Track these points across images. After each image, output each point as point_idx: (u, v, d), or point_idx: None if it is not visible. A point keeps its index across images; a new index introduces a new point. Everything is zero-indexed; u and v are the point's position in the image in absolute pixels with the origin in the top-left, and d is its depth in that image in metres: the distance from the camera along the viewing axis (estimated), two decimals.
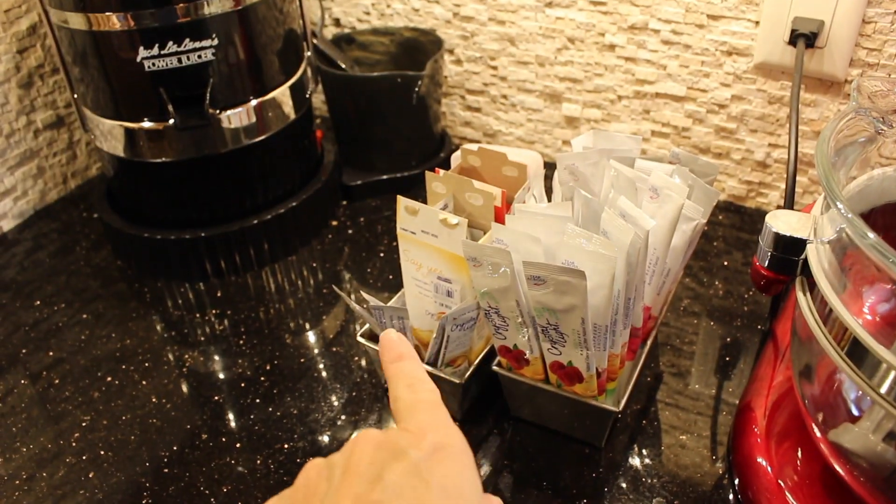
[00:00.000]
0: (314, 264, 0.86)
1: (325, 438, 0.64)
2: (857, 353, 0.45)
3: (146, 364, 0.74)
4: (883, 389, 0.44)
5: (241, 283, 0.84)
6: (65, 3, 0.73)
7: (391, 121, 0.92)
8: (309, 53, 0.90)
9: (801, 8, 0.76)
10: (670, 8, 0.84)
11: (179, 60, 0.74)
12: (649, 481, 0.60)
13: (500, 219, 0.61)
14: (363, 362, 0.72)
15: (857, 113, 0.54)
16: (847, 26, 0.75)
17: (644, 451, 0.62)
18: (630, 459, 0.62)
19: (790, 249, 0.53)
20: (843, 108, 0.79)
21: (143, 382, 0.72)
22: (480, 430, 0.65)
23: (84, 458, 0.64)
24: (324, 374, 0.71)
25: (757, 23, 0.80)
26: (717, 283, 0.80)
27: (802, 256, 0.53)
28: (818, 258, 0.50)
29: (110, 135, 0.80)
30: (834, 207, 0.46)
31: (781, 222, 0.54)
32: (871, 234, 0.42)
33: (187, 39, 0.74)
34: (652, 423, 0.65)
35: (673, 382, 0.68)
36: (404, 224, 0.61)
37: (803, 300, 0.51)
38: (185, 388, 0.71)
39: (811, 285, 0.51)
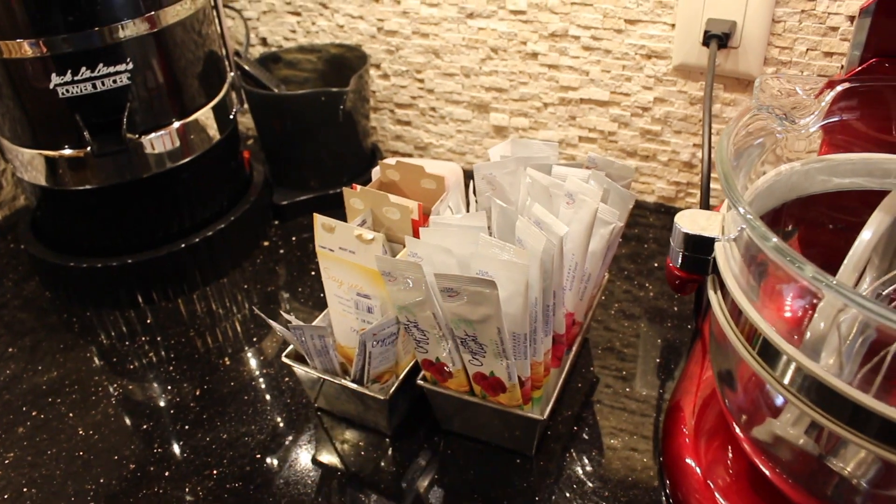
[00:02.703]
0: (245, 286, 0.85)
1: (256, 462, 0.64)
2: (767, 352, 0.46)
3: (73, 396, 0.72)
4: (794, 388, 0.44)
5: (171, 308, 0.82)
6: None
7: (319, 138, 0.92)
8: (232, 74, 0.89)
9: (714, 10, 0.78)
10: (588, 14, 0.85)
11: (94, 86, 0.73)
12: (581, 487, 0.60)
13: (417, 232, 0.61)
14: (293, 383, 0.71)
15: (759, 111, 0.55)
16: (758, 26, 0.76)
17: (577, 458, 0.62)
18: (562, 466, 0.62)
19: (700, 248, 0.54)
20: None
21: (70, 415, 0.70)
22: (412, 445, 0.64)
23: (6, 497, 0.62)
24: (255, 396, 0.70)
25: (673, 25, 0.82)
26: (648, 284, 0.80)
27: (713, 256, 0.53)
28: (726, 257, 0.51)
29: (30, 164, 0.79)
30: (734, 209, 0.46)
31: (690, 222, 0.54)
32: (774, 238, 0.43)
33: (101, 64, 0.73)
34: (584, 428, 0.65)
35: (609, 385, 0.69)
36: (322, 241, 0.60)
37: (714, 299, 0.52)
38: (113, 419, 0.69)
39: (722, 284, 0.51)
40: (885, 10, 0.60)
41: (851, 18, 0.73)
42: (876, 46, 0.62)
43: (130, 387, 0.73)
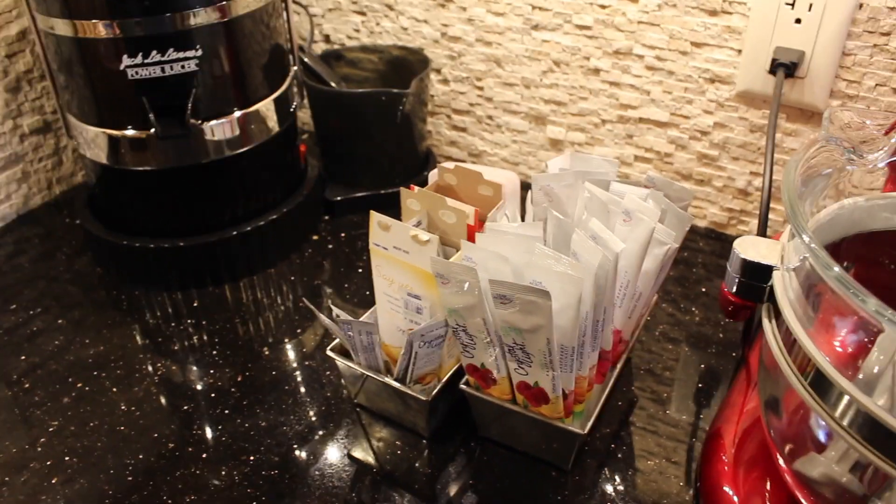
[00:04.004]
0: (292, 278, 0.86)
1: (292, 452, 0.64)
2: (820, 383, 0.45)
3: (118, 371, 0.73)
4: (845, 421, 0.44)
5: (218, 293, 0.84)
6: (51, 9, 0.74)
7: (375, 137, 0.93)
8: (295, 68, 0.90)
9: (783, 38, 0.77)
10: (654, 34, 0.84)
11: (163, 70, 0.74)
12: None
13: (472, 237, 0.61)
14: (334, 377, 0.72)
15: (827, 142, 0.55)
16: (827, 57, 0.76)
17: (612, 476, 0.62)
18: (597, 483, 0.61)
19: (757, 276, 0.53)
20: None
21: (114, 390, 0.71)
22: (448, 449, 0.64)
23: (48, 463, 0.64)
24: (295, 387, 0.71)
25: (739, 51, 0.81)
26: (695, 309, 0.80)
27: (769, 283, 0.53)
28: (784, 286, 0.50)
29: (93, 142, 0.81)
30: (798, 237, 0.46)
31: (749, 248, 0.54)
32: (836, 267, 0.42)
33: (171, 49, 0.74)
34: (622, 447, 0.65)
35: (646, 407, 0.68)
36: (377, 239, 0.61)
37: (768, 327, 0.51)
38: (155, 397, 0.71)
39: (777, 312, 0.51)
40: None
41: None
42: None
43: (173, 367, 0.74)
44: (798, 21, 0.76)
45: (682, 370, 0.72)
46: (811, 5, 0.74)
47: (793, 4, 0.75)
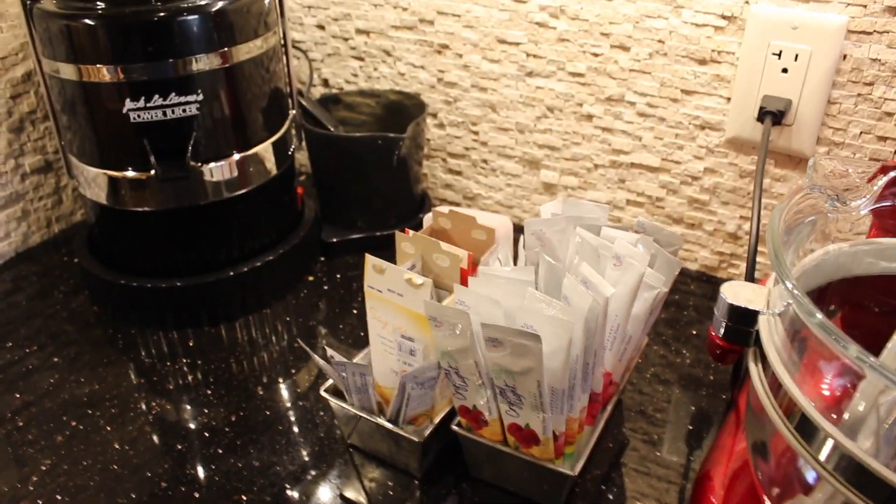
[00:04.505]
0: (288, 318, 0.87)
1: (285, 492, 0.64)
2: (805, 427, 0.46)
3: (113, 410, 0.74)
4: (830, 465, 0.44)
5: (214, 333, 0.84)
6: (57, 53, 0.76)
7: (372, 180, 0.94)
8: (294, 111, 0.92)
9: (770, 87, 0.79)
10: (646, 82, 0.87)
11: (164, 113, 0.76)
12: None
13: (465, 280, 0.62)
14: (327, 417, 0.72)
15: (812, 190, 0.56)
16: (813, 106, 0.78)
17: None
18: None
19: (744, 320, 0.54)
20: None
21: (108, 428, 0.72)
22: (440, 490, 0.65)
23: (40, 502, 0.64)
24: (288, 427, 0.71)
25: (728, 99, 0.83)
26: (685, 351, 0.80)
27: (755, 328, 0.54)
28: (769, 330, 0.51)
29: (94, 182, 0.82)
30: (781, 283, 0.47)
31: (735, 293, 0.55)
32: (818, 314, 0.43)
33: (173, 94, 0.76)
34: (612, 489, 0.65)
35: (638, 449, 0.69)
36: (371, 282, 0.62)
37: (755, 371, 0.52)
38: (149, 436, 0.71)
39: (763, 357, 0.52)
40: None
41: None
42: None
43: (168, 406, 0.74)
44: (785, 70, 0.78)
45: (673, 412, 0.73)
46: (797, 56, 0.77)
47: (779, 55, 0.78)
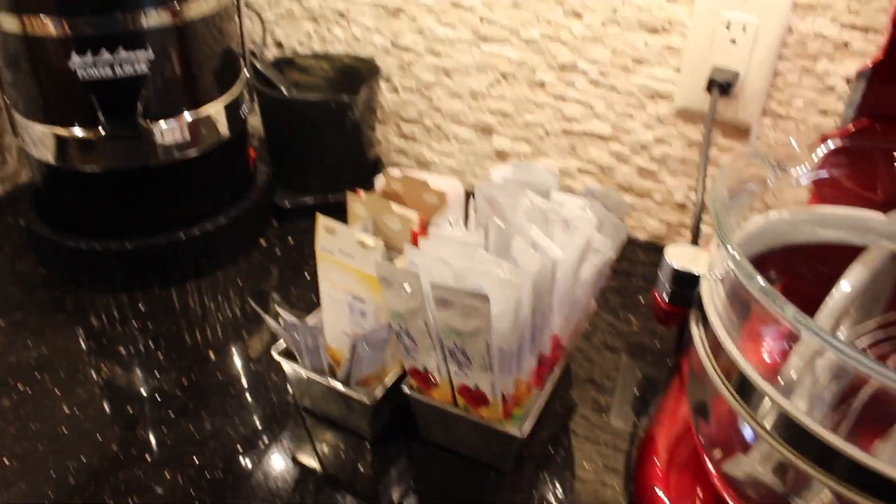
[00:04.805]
0: (240, 282, 0.87)
1: (237, 455, 0.65)
2: (744, 388, 0.47)
3: (61, 374, 0.73)
4: (767, 424, 0.46)
5: (165, 296, 0.84)
6: None
7: (325, 144, 0.94)
8: (246, 73, 0.91)
9: (719, 58, 0.80)
10: (598, 50, 0.87)
11: (113, 70, 0.75)
12: None
13: (416, 242, 0.63)
14: (279, 380, 0.73)
15: (754, 157, 0.58)
16: (759, 78, 0.79)
17: (549, 480, 0.64)
18: (535, 486, 0.63)
19: (687, 283, 0.56)
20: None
21: (57, 392, 0.71)
22: (391, 451, 0.66)
23: None
24: (240, 390, 0.72)
25: (678, 70, 0.84)
26: (632, 318, 0.82)
27: (698, 290, 0.55)
28: (711, 294, 0.53)
29: (40, 141, 0.80)
30: (723, 247, 0.48)
31: (679, 256, 0.56)
32: (758, 277, 0.45)
33: (122, 49, 0.74)
34: (559, 451, 0.66)
35: (586, 414, 0.70)
36: (323, 243, 0.62)
37: (696, 333, 0.54)
38: (98, 400, 0.70)
39: (704, 319, 0.53)
40: (880, 75, 0.63)
41: (848, 80, 0.76)
42: (869, 108, 0.65)
43: (118, 370, 0.74)
44: (733, 41, 0.79)
45: (620, 378, 0.75)
46: (745, 27, 0.78)
47: (728, 26, 0.79)
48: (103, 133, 0.76)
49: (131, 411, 0.69)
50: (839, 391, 0.51)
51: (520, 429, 0.60)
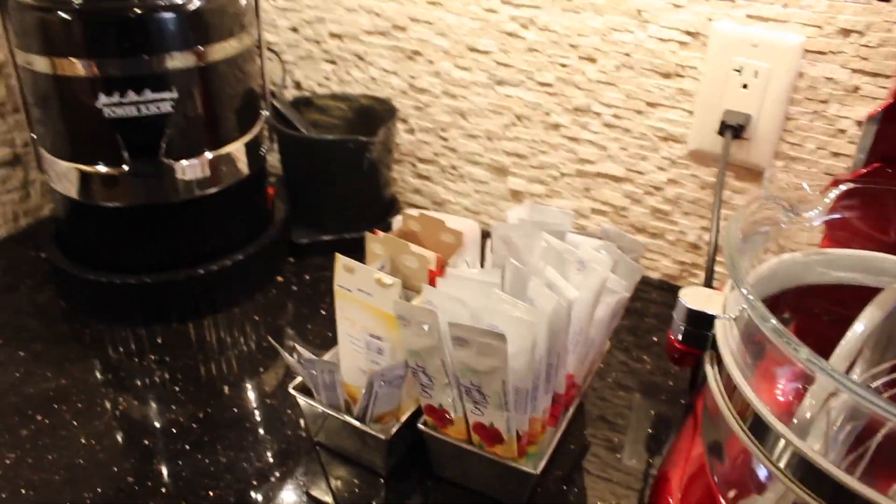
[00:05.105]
0: (256, 317, 0.88)
1: (251, 489, 0.65)
2: (758, 428, 0.48)
3: (79, 405, 0.74)
4: (782, 464, 0.46)
5: (182, 330, 0.85)
6: (31, 45, 0.76)
7: (342, 183, 0.95)
8: (266, 113, 0.93)
9: (731, 101, 0.82)
10: (612, 93, 0.89)
11: (138, 109, 0.77)
12: None
13: (433, 282, 0.64)
14: (294, 415, 0.73)
15: (767, 200, 0.59)
16: (771, 121, 0.81)
17: None
18: None
19: (701, 324, 0.57)
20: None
21: (74, 423, 0.72)
22: (405, 488, 0.66)
23: (3, 496, 0.64)
24: (256, 425, 0.72)
25: (691, 112, 0.86)
26: (646, 357, 0.83)
27: (712, 332, 0.56)
28: (725, 334, 0.53)
29: (65, 176, 0.82)
30: (737, 289, 0.49)
31: (694, 298, 0.57)
32: (772, 319, 0.45)
33: (148, 90, 0.76)
34: (573, 490, 0.67)
35: (599, 452, 0.71)
36: (341, 281, 0.63)
37: (711, 374, 0.54)
38: (115, 432, 0.71)
39: (719, 360, 0.54)
40: (890, 118, 0.64)
41: (859, 123, 0.77)
42: (880, 152, 0.66)
43: (135, 402, 0.75)
44: (745, 86, 0.81)
45: (633, 417, 0.75)
46: (757, 72, 0.79)
47: (740, 71, 0.80)
48: (126, 170, 0.78)
49: (147, 443, 0.70)
50: (854, 432, 0.51)
51: (534, 466, 0.61)
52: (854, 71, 0.76)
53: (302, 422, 0.72)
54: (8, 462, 0.67)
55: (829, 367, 0.42)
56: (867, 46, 0.75)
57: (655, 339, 0.86)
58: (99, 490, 0.65)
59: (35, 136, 0.85)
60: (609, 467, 0.69)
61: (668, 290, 0.95)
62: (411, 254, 0.65)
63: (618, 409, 0.76)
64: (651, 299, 0.93)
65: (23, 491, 0.65)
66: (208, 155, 0.83)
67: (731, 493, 0.55)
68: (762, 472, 0.51)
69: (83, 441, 0.70)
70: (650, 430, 0.73)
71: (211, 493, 0.64)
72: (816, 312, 0.64)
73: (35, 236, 1.02)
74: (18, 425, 0.71)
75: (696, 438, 0.68)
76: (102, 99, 0.75)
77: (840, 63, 0.76)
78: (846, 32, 0.75)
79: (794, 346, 0.43)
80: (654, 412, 0.76)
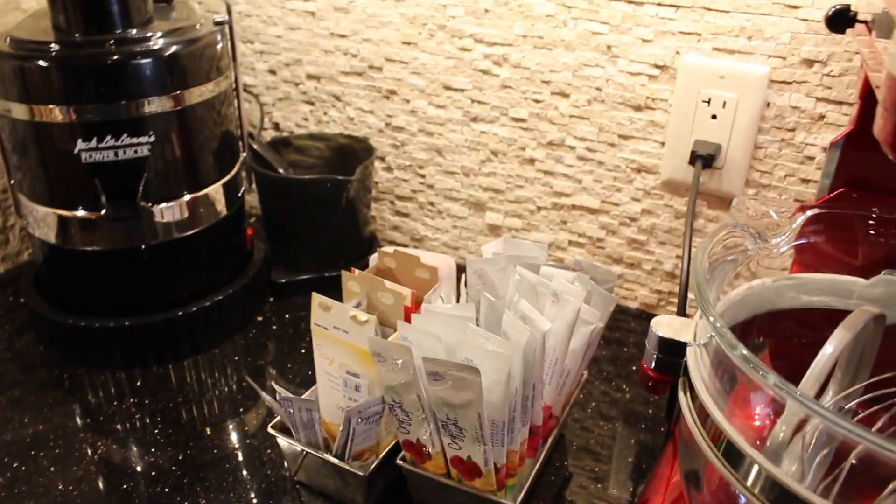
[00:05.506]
0: (236, 358, 0.87)
1: None
2: (732, 454, 0.48)
3: (57, 451, 0.73)
4: (757, 490, 0.47)
5: (162, 373, 0.85)
6: (9, 93, 0.76)
7: (321, 222, 0.96)
8: (244, 154, 0.94)
9: (701, 132, 0.83)
10: (585, 127, 0.90)
11: (116, 154, 0.77)
12: None
13: (408, 318, 0.64)
14: (275, 455, 0.73)
15: (735, 228, 0.60)
16: (741, 150, 0.82)
17: None
18: None
19: (673, 352, 0.57)
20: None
21: (52, 469, 0.71)
22: None
23: None
24: (236, 465, 0.72)
25: (663, 143, 0.87)
26: (626, 386, 0.83)
27: (684, 359, 0.56)
28: (696, 361, 0.54)
29: (43, 221, 0.82)
30: (705, 317, 0.50)
31: (666, 326, 0.58)
32: (740, 346, 0.46)
33: (125, 135, 0.77)
34: None
35: (581, 482, 0.71)
36: (318, 319, 0.63)
37: (684, 400, 0.55)
38: (94, 476, 0.71)
39: (692, 387, 0.54)
40: (852, 145, 0.66)
41: (825, 150, 0.79)
42: (844, 177, 0.67)
43: (114, 446, 0.74)
44: (714, 117, 0.82)
45: (615, 446, 0.75)
46: (725, 103, 0.81)
47: (709, 102, 0.82)
48: (105, 214, 0.79)
49: (126, 487, 0.69)
50: (829, 456, 0.51)
51: (514, 499, 0.61)
52: (819, 99, 0.78)
53: (283, 462, 0.72)
54: None
55: (798, 392, 0.42)
56: (830, 76, 0.76)
57: (635, 367, 0.86)
58: None
59: (13, 182, 0.85)
60: (594, 497, 0.69)
61: (646, 319, 0.96)
62: (387, 290, 0.65)
63: (599, 439, 0.76)
64: (630, 329, 0.93)
65: None
66: (186, 197, 0.83)
67: None
68: (740, 500, 0.51)
69: (61, 486, 0.69)
70: (633, 459, 0.74)
71: None
72: (789, 336, 0.64)
73: (14, 282, 1.02)
74: None
75: (675, 465, 0.68)
76: (80, 144, 0.76)
77: (805, 92, 0.78)
78: (809, 63, 0.77)
79: (763, 373, 0.44)
80: (635, 441, 0.76)
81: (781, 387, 0.43)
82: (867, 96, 0.63)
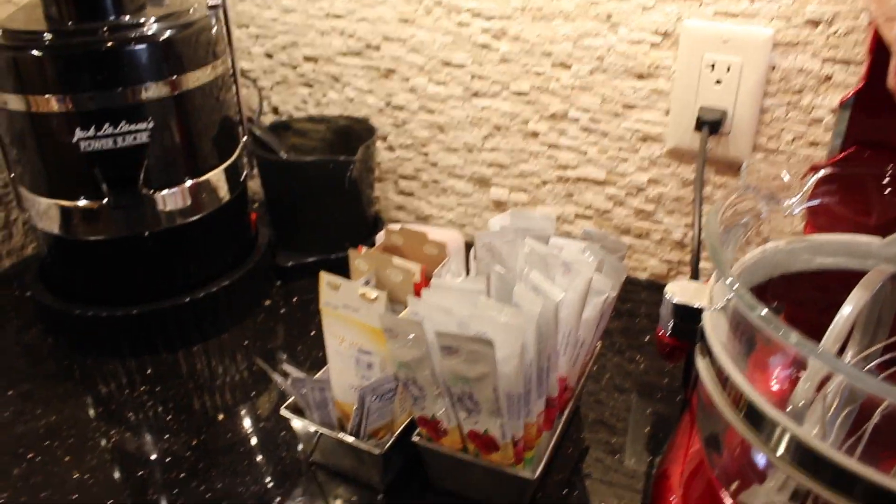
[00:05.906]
0: (245, 342, 0.87)
1: None
2: (753, 416, 0.48)
3: (70, 441, 0.73)
4: (780, 451, 0.46)
5: (172, 360, 0.84)
6: (4, 84, 0.76)
7: (324, 204, 0.95)
8: (245, 139, 0.93)
9: (706, 98, 0.82)
10: (588, 98, 0.89)
11: (115, 142, 0.76)
12: None
13: (418, 294, 0.63)
14: (289, 437, 0.73)
15: (745, 191, 0.59)
16: (747, 115, 0.81)
17: None
18: None
19: (689, 318, 0.57)
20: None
21: (66, 459, 0.71)
22: (403, 502, 0.65)
23: None
24: (250, 449, 0.72)
25: (667, 112, 0.86)
26: (640, 357, 0.82)
27: (701, 324, 0.56)
28: (713, 326, 0.53)
29: (46, 214, 0.82)
30: (722, 280, 0.49)
31: (680, 292, 0.57)
32: (760, 307, 0.45)
33: (124, 122, 0.76)
34: (573, 494, 0.66)
35: (598, 455, 0.70)
36: (327, 299, 0.63)
37: (702, 365, 0.54)
38: (109, 465, 0.70)
39: (709, 351, 0.54)
40: (862, 103, 0.65)
41: (834, 111, 0.78)
42: (855, 136, 0.66)
43: (127, 434, 0.74)
44: (719, 82, 0.81)
45: (631, 417, 0.75)
46: (729, 67, 0.80)
47: (713, 67, 0.81)
48: (107, 203, 0.78)
49: (141, 474, 0.69)
50: (851, 415, 0.51)
51: (532, 472, 0.60)
52: (825, 60, 0.77)
53: (297, 443, 0.71)
54: (1, 501, 0.66)
55: (821, 349, 0.41)
56: (836, 35, 0.75)
57: (647, 338, 0.85)
58: None
59: (14, 176, 0.84)
60: (610, 470, 0.68)
61: (657, 289, 0.95)
62: (395, 267, 0.64)
63: (615, 411, 0.75)
64: (641, 300, 0.93)
65: None
66: (188, 183, 0.83)
67: (733, 486, 0.54)
68: (761, 461, 0.51)
69: (76, 475, 0.69)
70: (649, 430, 0.73)
71: None
72: (803, 300, 0.64)
73: (20, 276, 1.02)
74: (10, 465, 0.70)
75: (694, 434, 0.68)
76: (79, 133, 0.75)
77: (810, 53, 0.77)
78: (814, 23, 0.76)
79: (784, 332, 0.43)
80: (651, 411, 0.75)
81: (805, 345, 0.42)
82: (876, 52, 0.62)
